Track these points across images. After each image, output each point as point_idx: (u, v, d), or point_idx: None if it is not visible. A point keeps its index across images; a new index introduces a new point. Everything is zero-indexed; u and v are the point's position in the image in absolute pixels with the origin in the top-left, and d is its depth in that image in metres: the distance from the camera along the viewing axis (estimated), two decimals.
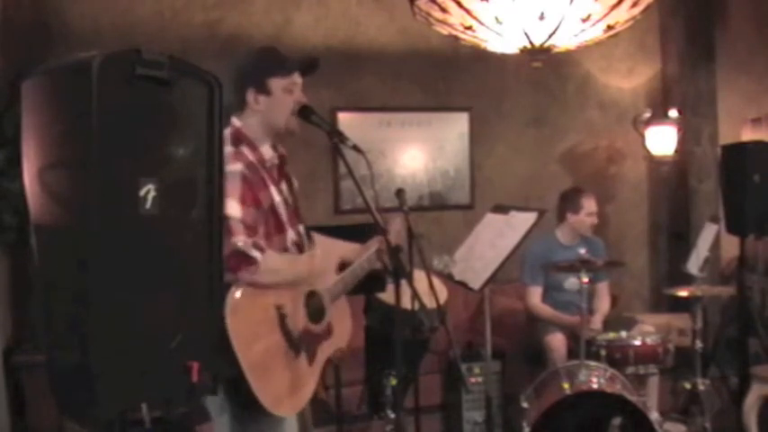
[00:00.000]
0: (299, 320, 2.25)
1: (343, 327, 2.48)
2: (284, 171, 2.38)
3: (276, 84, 2.26)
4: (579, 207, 4.21)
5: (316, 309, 2.32)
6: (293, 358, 2.22)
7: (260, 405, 2.06)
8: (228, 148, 2.15)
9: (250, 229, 2.13)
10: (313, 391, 2.32)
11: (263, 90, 2.26)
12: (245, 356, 2.02)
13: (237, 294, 2.06)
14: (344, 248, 2.55)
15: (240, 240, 2.08)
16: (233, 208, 2.10)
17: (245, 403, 2.09)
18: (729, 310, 4.79)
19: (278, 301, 2.18)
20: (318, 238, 2.51)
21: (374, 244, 2.50)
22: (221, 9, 4.90)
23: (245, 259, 2.07)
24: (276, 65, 2.29)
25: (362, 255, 2.50)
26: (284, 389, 2.18)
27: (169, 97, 1.59)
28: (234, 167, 2.14)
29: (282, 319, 2.18)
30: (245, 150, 2.22)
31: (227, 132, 2.18)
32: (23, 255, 4.00)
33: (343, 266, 2.48)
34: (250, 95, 2.26)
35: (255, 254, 2.10)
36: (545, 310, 4.16)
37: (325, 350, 2.38)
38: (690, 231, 5.35)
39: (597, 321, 4.10)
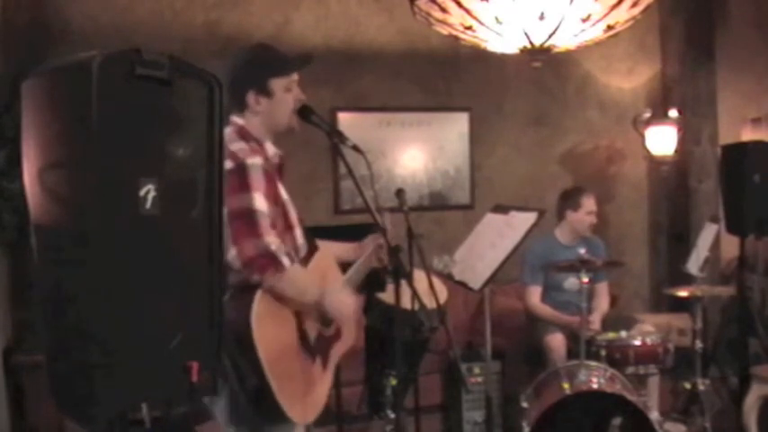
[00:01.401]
0: (313, 326, 2.23)
1: (350, 326, 2.46)
2: (282, 171, 2.35)
3: (277, 84, 2.23)
4: (579, 205, 4.21)
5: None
6: (310, 364, 2.21)
7: (279, 412, 2.02)
8: (241, 144, 2.13)
9: (275, 227, 2.09)
10: (327, 395, 2.30)
11: (265, 92, 2.22)
12: (269, 363, 1.99)
13: (262, 301, 2.02)
14: (340, 249, 2.53)
15: (273, 243, 2.05)
16: (260, 202, 2.06)
17: (263, 410, 2.04)
18: (729, 310, 4.80)
19: (296, 307, 2.16)
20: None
21: (371, 242, 2.48)
22: (221, 9, 4.90)
23: (273, 262, 2.03)
24: (276, 65, 2.25)
25: (361, 254, 2.48)
26: (302, 396, 2.15)
27: (169, 97, 1.59)
28: (255, 160, 2.10)
29: (301, 325, 2.17)
30: (255, 146, 2.18)
31: (231, 130, 2.16)
32: (23, 255, 4.00)
33: (341, 267, 2.46)
34: (251, 97, 2.21)
35: (286, 261, 2.06)
36: (545, 309, 4.16)
37: (337, 353, 2.37)
38: (690, 231, 5.35)
39: (596, 321, 4.09)
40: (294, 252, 2.21)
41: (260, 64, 2.26)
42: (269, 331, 2.02)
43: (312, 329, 2.22)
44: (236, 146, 2.11)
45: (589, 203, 4.22)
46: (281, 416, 2.04)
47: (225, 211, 1.92)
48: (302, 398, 2.15)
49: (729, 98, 5.65)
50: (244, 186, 2.05)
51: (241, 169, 2.06)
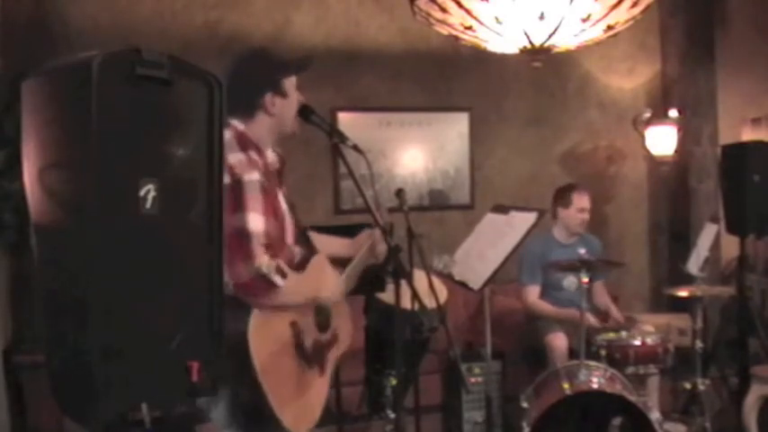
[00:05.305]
0: (310, 334, 2.24)
1: (346, 330, 2.46)
2: (282, 174, 2.34)
3: (289, 84, 2.25)
4: (569, 202, 4.21)
5: (323, 318, 2.31)
6: (307, 372, 2.21)
7: (277, 423, 2.03)
8: (239, 155, 2.08)
9: (270, 246, 2.06)
10: (324, 401, 2.31)
11: (280, 92, 2.22)
12: (265, 376, 2.00)
13: (258, 316, 2.02)
14: (335, 244, 2.52)
15: (264, 265, 2.00)
16: (256, 222, 2.03)
17: (260, 421, 2.05)
18: (729, 310, 4.79)
19: (292, 318, 2.16)
20: (312, 236, 2.45)
21: (366, 239, 2.47)
22: (221, 9, 4.90)
23: (267, 285, 2.01)
24: (284, 65, 2.26)
25: (356, 251, 2.47)
26: (301, 406, 2.17)
27: (169, 97, 1.59)
28: (252, 177, 2.06)
29: (297, 335, 2.17)
30: (255, 156, 2.14)
31: (230, 136, 2.08)
32: (23, 254, 4.01)
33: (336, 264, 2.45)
34: (268, 99, 2.20)
35: (278, 280, 2.03)
36: (545, 306, 4.16)
37: (334, 356, 2.37)
38: (690, 231, 5.35)
39: (616, 313, 4.18)
40: (288, 263, 2.16)
41: (271, 66, 2.26)
42: (265, 343, 2.03)
43: (309, 337, 2.22)
44: (234, 158, 2.06)
45: (580, 200, 4.20)
46: (279, 426, 2.04)
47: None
48: (299, 407, 2.15)
49: (729, 98, 5.64)
50: (239, 205, 2.02)
51: (238, 186, 2.02)
